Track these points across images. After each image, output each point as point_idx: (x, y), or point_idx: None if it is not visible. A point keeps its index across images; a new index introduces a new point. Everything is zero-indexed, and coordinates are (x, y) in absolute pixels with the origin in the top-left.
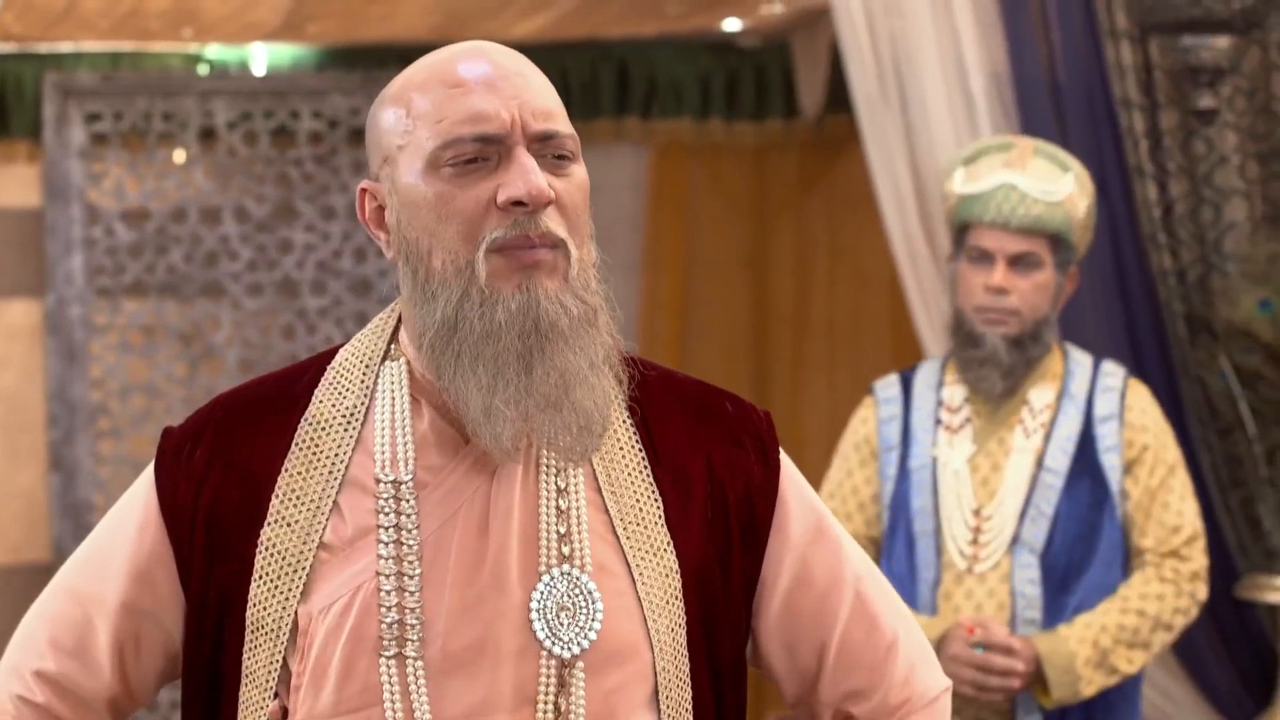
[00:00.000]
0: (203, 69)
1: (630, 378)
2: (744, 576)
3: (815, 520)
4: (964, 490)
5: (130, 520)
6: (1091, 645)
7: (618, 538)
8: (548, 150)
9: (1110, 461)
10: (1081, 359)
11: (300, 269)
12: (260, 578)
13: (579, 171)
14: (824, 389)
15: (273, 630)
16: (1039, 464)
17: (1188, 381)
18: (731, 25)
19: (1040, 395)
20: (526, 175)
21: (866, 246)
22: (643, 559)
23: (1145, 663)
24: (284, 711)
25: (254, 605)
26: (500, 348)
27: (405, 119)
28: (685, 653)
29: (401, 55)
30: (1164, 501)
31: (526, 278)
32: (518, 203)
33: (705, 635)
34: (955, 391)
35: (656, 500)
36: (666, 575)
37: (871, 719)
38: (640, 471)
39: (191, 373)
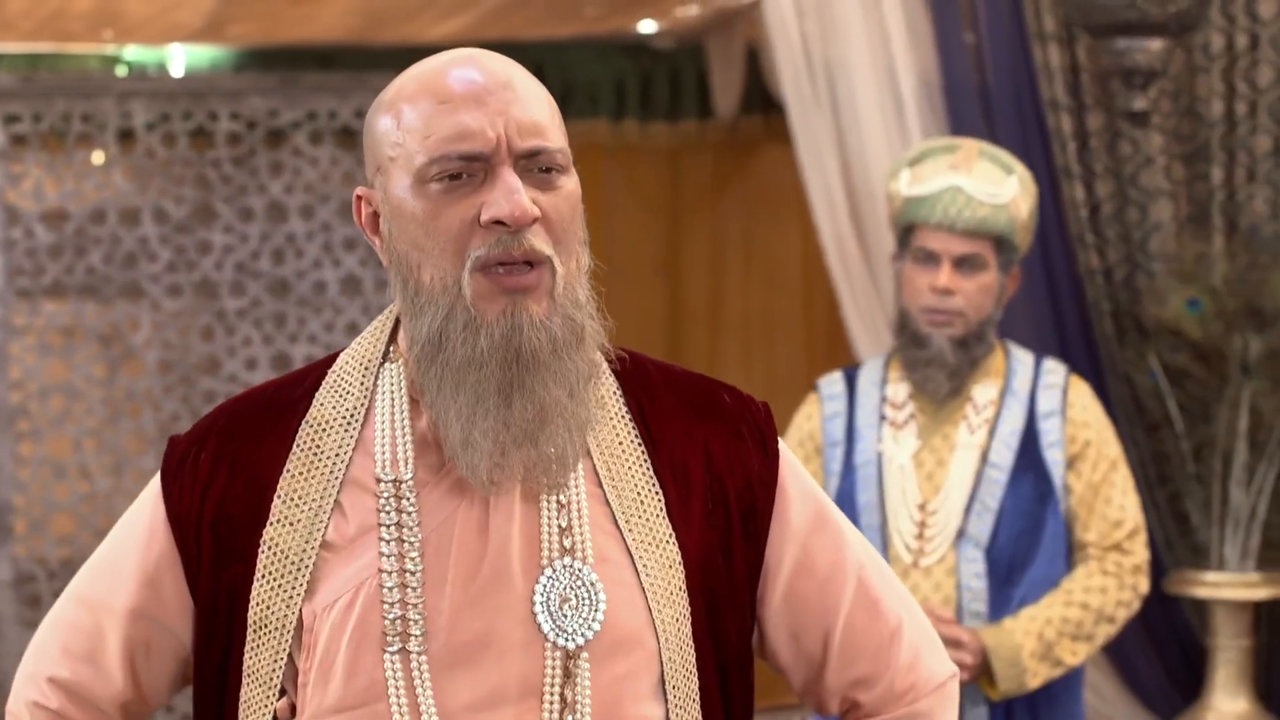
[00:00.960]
0: (121, 70)
1: (628, 372)
2: (747, 567)
3: (816, 509)
4: (909, 485)
5: (138, 528)
6: (1036, 638)
7: (620, 530)
8: (535, 164)
9: (1053, 457)
10: (1023, 357)
11: (219, 270)
12: (263, 577)
13: (568, 183)
14: (739, 387)
15: (277, 629)
16: (983, 459)
17: (1115, 379)
18: (647, 27)
19: (983, 392)
20: (510, 195)
21: (780, 246)
22: (646, 550)
23: (1089, 655)
24: (292, 708)
25: (256, 604)
26: (482, 376)
27: (396, 130)
28: (691, 644)
29: (319, 57)
30: (1106, 496)
31: (512, 302)
32: (500, 222)
33: (710, 626)
34: (899, 388)
35: (657, 493)
36: (670, 567)
37: (878, 706)
38: (640, 465)
39: (111, 374)
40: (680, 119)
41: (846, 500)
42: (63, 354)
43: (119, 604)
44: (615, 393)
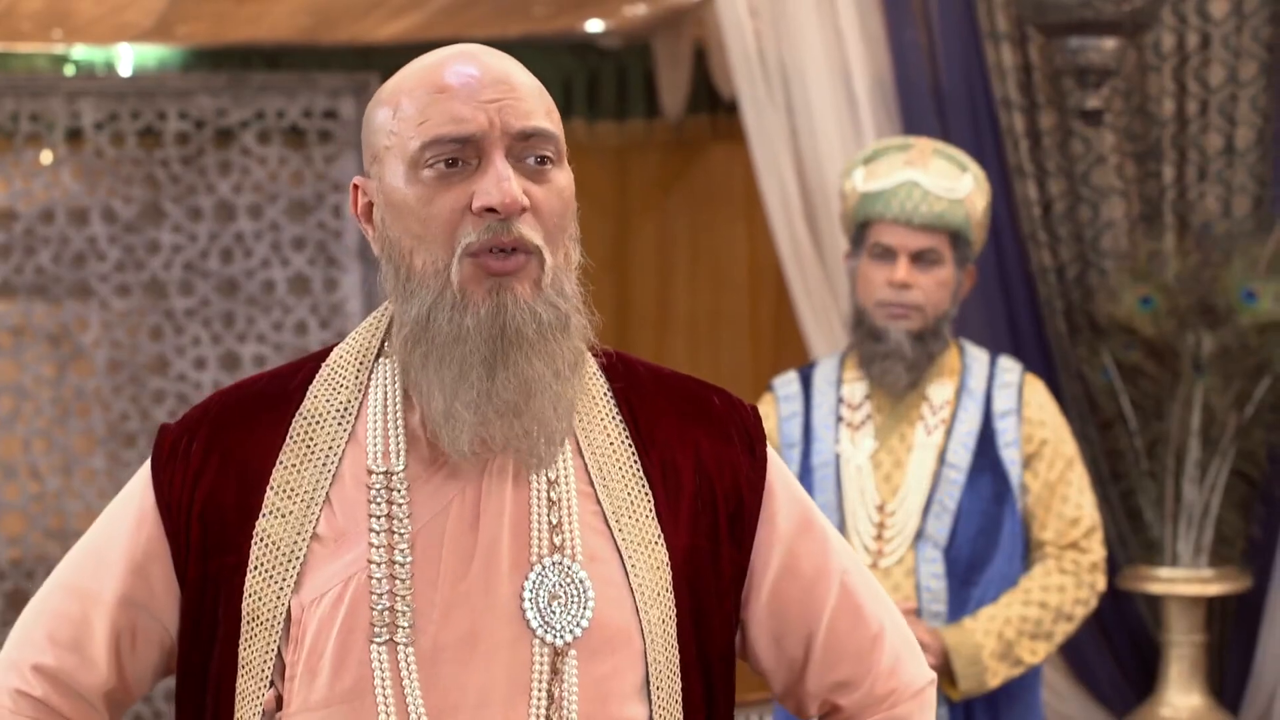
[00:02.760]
0: (69, 70)
1: (618, 373)
2: (733, 569)
3: (802, 513)
4: (867, 486)
5: (127, 516)
6: (996, 637)
7: (610, 529)
8: (529, 152)
9: (1010, 456)
10: (978, 355)
11: (167, 269)
12: (255, 568)
13: (560, 177)
14: None
15: (268, 620)
16: (941, 459)
17: (1067, 376)
18: (594, 27)
19: (939, 391)
20: (500, 183)
21: (726, 245)
22: (635, 550)
23: (1048, 653)
24: (279, 701)
25: (249, 596)
26: (466, 351)
27: (393, 120)
28: (675, 644)
29: (268, 56)
30: (1063, 495)
31: (497, 285)
32: (491, 209)
33: (695, 626)
34: (856, 388)
35: (647, 494)
36: (657, 568)
37: (858, 710)
38: (630, 465)
39: (60, 373)
40: (627, 118)
41: None
42: (12, 354)
43: (106, 592)
44: (605, 393)
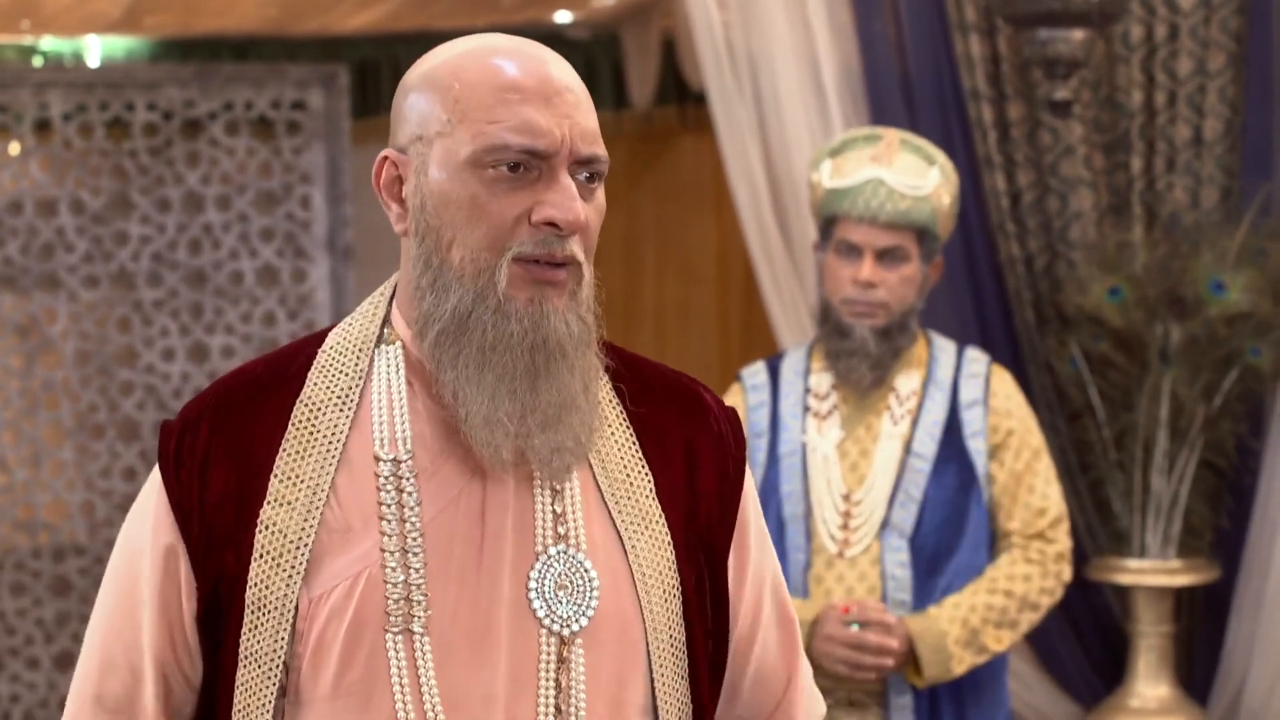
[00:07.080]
0: (37, 61)
1: (614, 364)
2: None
3: (761, 525)
4: (833, 475)
5: (144, 527)
6: (961, 625)
7: (610, 514)
8: (585, 170)
9: (976, 446)
10: (945, 346)
11: (136, 261)
12: (261, 557)
13: (601, 195)
14: None
15: (276, 609)
16: (907, 449)
17: (1036, 368)
18: (563, 17)
19: (906, 382)
20: (568, 201)
21: (694, 237)
22: (635, 533)
23: (1014, 642)
24: (281, 692)
25: (254, 585)
26: (509, 359)
27: (453, 106)
28: (681, 621)
29: (236, 47)
30: (1029, 485)
31: (539, 292)
32: (552, 224)
33: (703, 600)
34: (822, 379)
35: (646, 474)
36: (659, 547)
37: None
38: (629, 446)
39: (28, 365)
40: (595, 109)
41: (771, 491)
42: None
43: (144, 635)
44: (603, 381)
